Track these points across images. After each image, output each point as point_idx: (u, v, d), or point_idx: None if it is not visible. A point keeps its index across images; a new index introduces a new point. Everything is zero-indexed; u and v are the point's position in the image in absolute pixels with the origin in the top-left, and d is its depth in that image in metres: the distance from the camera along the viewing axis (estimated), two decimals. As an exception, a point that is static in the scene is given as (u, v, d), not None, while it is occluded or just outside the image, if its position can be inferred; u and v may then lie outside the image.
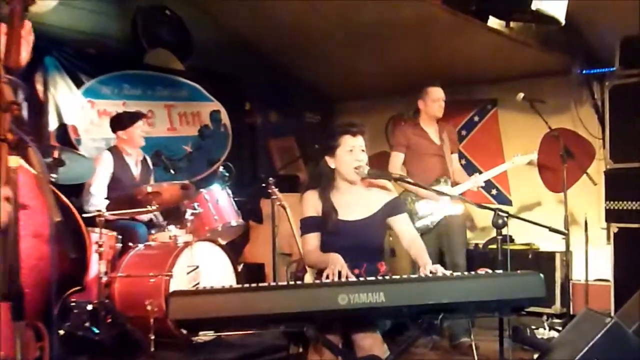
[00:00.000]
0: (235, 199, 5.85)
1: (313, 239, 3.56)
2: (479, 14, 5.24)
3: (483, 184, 5.54)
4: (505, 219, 3.39)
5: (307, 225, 3.59)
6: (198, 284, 4.97)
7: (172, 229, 5.38)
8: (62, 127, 6.08)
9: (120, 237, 5.16)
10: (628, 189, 5.46)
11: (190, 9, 7.10)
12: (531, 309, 5.45)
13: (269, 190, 5.75)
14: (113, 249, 5.08)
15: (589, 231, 6.08)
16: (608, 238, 5.97)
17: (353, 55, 7.18)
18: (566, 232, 5.29)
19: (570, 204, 5.69)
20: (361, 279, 3.06)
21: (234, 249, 5.91)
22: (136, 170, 5.73)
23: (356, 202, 3.60)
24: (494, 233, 3.47)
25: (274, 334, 4.83)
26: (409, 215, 5.30)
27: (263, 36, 7.31)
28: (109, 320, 4.71)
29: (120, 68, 6.60)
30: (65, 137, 6.04)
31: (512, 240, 6.74)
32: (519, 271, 3.00)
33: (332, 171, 3.61)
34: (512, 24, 5.71)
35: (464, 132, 7.57)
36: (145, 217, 5.60)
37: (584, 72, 6.47)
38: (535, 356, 4.48)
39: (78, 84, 6.24)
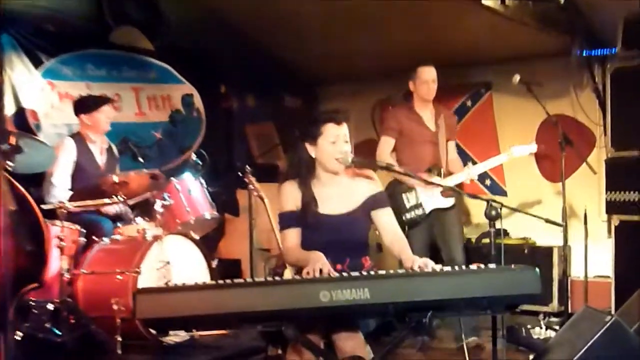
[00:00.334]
0: (209, 189, 5.84)
1: (293, 235, 3.56)
2: (472, -10, 5.26)
3: (476, 177, 5.56)
4: (499, 210, 3.41)
5: (286, 220, 3.59)
6: (169, 281, 4.94)
7: (141, 222, 5.37)
8: (20, 112, 6.03)
9: (83, 230, 5.13)
10: (630, 179, 5.49)
11: (161, -17, 7.07)
12: (527, 307, 5.57)
13: (246, 180, 5.74)
14: (76, 244, 5.05)
15: (589, 224, 6.11)
16: (609, 231, 6.03)
17: (337, 35, 7.16)
18: (564, 224, 5.33)
19: (569, 195, 5.73)
20: (344, 274, 3.06)
21: (208, 243, 5.89)
22: (101, 159, 5.71)
23: (339, 194, 3.61)
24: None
25: (251, 335, 4.84)
26: (398, 206, 5.37)
27: (240, 13, 7.27)
28: (72, 321, 4.68)
29: (84, 47, 6.54)
30: (24, 122, 5.99)
31: (506, 234, 6.76)
32: (512, 266, 3.02)
33: (312, 160, 3.61)
34: (507, 1, 5.73)
35: (455, 118, 7.58)
36: (111, 209, 5.57)
37: (584, 53, 6.48)
38: (531, 357, 4.51)
39: (37, 64, 6.19)
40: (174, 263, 5.07)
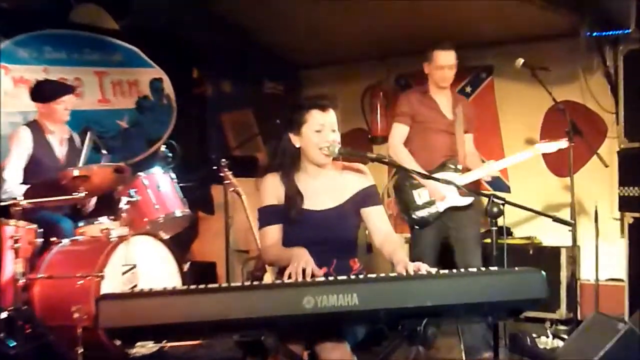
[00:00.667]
0: (181, 184, 5.83)
1: (273, 232, 3.55)
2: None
3: (498, 174, 5.53)
4: (502, 207, 3.41)
5: (267, 215, 3.58)
6: (135, 286, 4.93)
7: (104, 221, 5.35)
8: (-31, 98, 6.00)
9: (41, 230, 5.10)
10: (645, 173, 5.53)
11: (126, -45, 7.04)
12: (531, 313, 5.59)
13: (222, 174, 5.73)
14: (32, 245, 5.02)
15: (600, 222, 6.15)
16: (622, 230, 6.06)
17: (323, 13, 7.16)
18: (573, 222, 5.35)
19: (578, 190, 5.75)
20: (330, 278, 3.05)
21: (179, 244, 5.88)
22: (60, 150, 5.68)
23: (325, 188, 3.60)
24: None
25: (227, 345, 4.83)
26: (408, 202, 5.37)
27: (215, -11, 7.27)
28: (28, 331, 4.67)
29: (41, 27, 6.52)
30: (-27, 111, 5.97)
31: (510, 234, 6.80)
32: (516, 268, 3.02)
33: (296, 151, 3.60)
34: (510, -24, 5.75)
35: (473, 109, 7.59)
36: (71, 207, 5.54)
37: (594, 34, 6.50)
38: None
39: (-11, 45, 6.17)
40: (141, 266, 5.06)
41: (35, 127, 5.59)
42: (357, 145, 7.71)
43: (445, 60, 5.42)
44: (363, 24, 7.22)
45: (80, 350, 4.51)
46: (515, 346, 5.09)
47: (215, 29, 7.59)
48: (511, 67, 5.85)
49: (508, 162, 5.62)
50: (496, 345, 3.59)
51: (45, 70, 6.44)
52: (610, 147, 6.41)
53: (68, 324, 4.61)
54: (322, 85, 8.04)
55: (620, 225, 6.18)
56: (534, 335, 5.47)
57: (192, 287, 2.91)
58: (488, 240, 3.76)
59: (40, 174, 5.39)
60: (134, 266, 5.01)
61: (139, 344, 3.29)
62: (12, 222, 4.76)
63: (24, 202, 4.87)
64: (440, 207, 5.36)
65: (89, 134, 5.72)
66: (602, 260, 6.11)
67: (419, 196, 5.41)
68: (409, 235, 5.82)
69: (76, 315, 4.60)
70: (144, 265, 5.08)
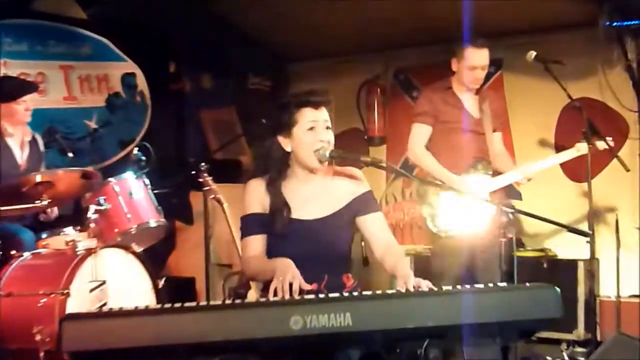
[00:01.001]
0: (156, 191, 5.81)
1: (256, 243, 3.55)
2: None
3: (534, 176, 5.52)
4: (511, 216, 3.42)
5: (250, 223, 3.59)
6: (104, 304, 4.92)
7: (70, 232, 5.34)
8: None
9: (-1, 243, 5.09)
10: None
11: (94, -64, 7.04)
12: (545, 334, 5.59)
13: (201, 180, 5.72)
14: (-11, 259, 5.02)
15: (621, 232, 6.15)
16: (645, 241, 6.08)
17: (314, 3, 7.16)
18: (591, 233, 5.35)
19: (597, 197, 5.76)
20: (321, 295, 3.05)
21: (154, 257, 5.87)
22: (21, 154, 5.67)
23: (316, 196, 3.60)
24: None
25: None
26: (432, 210, 5.37)
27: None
28: (-15, 354, 4.65)
29: (0, 16, 6.49)
30: None
31: (521, 245, 6.80)
32: (528, 284, 3.02)
33: (285, 155, 3.60)
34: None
35: (503, 104, 7.60)
36: (33, 217, 5.53)
37: (614, 24, 6.52)
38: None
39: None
40: (111, 282, 5.03)
41: (-8, 128, 5.58)
42: (352, 147, 7.72)
43: (478, 60, 5.43)
44: (358, 12, 7.23)
45: (43, 376, 4.51)
46: (528, 370, 5.10)
47: (194, 18, 7.59)
48: (522, 61, 5.84)
49: (548, 163, 5.63)
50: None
51: (5, 65, 6.43)
52: (632, 149, 6.43)
53: (29, 347, 4.60)
54: (312, 81, 8.03)
55: (643, 235, 6.20)
56: (549, 358, 5.47)
57: (168, 305, 2.90)
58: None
59: (-1, 180, 5.38)
60: (103, 282, 4.99)
61: (107, 369, 3.28)
62: (-34, 233, 4.74)
63: (-20, 212, 4.86)
64: (470, 214, 5.37)
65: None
66: (624, 275, 6.11)
67: (442, 205, 5.41)
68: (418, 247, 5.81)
69: (38, 337, 4.59)
70: (114, 282, 5.06)
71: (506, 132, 7.22)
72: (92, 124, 7.04)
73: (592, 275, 5.86)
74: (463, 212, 5.35)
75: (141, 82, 7.44)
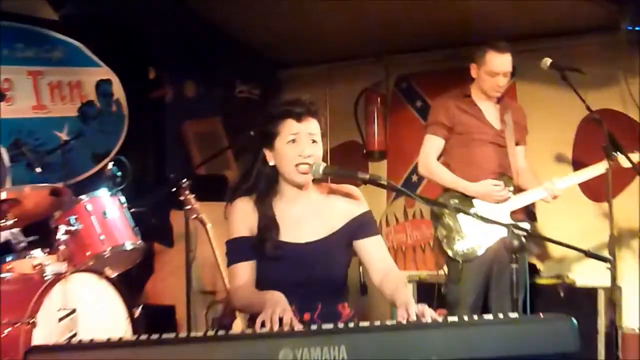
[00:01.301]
0: (132, 210, 5.81)
1: (244, 271, 3.55)
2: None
3: (561, 193, 5.53)
4: (525, 239, 3.41)
5: (236, 249, 3.58)
6: (74, 335, 4.91)
7: (37, 255, 5.32)
8: None
9: (-41, 266, 5.08)
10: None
11: None
12: (562, 369, 5.59)
13: (182, 198, 5.71)
14: (-52, 285, 5.00)
15: (645, 258, 6.18)
16: (672, 267, 6.09)
17: (308, 3, 7.18)
18: (612, 258, 5.35)
19: (618, 219, 5.77)
20: (314, 326, 3.04)
21: (130, 283, 5.85)
22: (-16, 168, 5.66)
23: (308, 217, 3.60)
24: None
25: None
26: (448, 231, 5.37)
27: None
28: (-58, 390, 4.64)
29: (-39, 17, 6.53)
30: None
31: (536, 271, 6.80)
32: (541, 314, 3.02)
33: (273, 171, 3.60)
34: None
35: (525, 114, 7.61)
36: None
37: (637, 28, 6.55)
38: None
39: None
40: (82, 311, 5.03)
41: (-48, 140, 5.59)
42: (349, 162, 7.73)
43: (500, 66, 5.47)
44: (357, 13, 7.25)
45: (6, 415, 4.50)
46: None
47: (176, 20, 7.61)
48: (537, 69, 5.88)
49: (576, 180, 5.64)
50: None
51: (-33, 70, 6.44)
52: (658, 166, 6.43)
53: (-9, 383, 4.59)
54: (306, 89, 8.03)
55: (669, 261, 6.21)
56: (565, 396, 5.46)
57: (144, 337, 2.89)
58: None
59: (-41, 198, 5.37)
60: (73, 311, 4.98)
61: (77, 407, 3.27)
62: None
63: (-62, 232, 4.86)
64: (490, 236, 5.38)
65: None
66: (648, 305, 6.13)
67: (464, 224, 5.43)
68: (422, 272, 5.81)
69: (1, 371, 4.58)
70: (86, 310, 5.05)
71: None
72: (63, 136, 7.03)
73: (614, 304, 5.86)
74: (482, 234, 5.37)
75: (117, 90, 7.44)
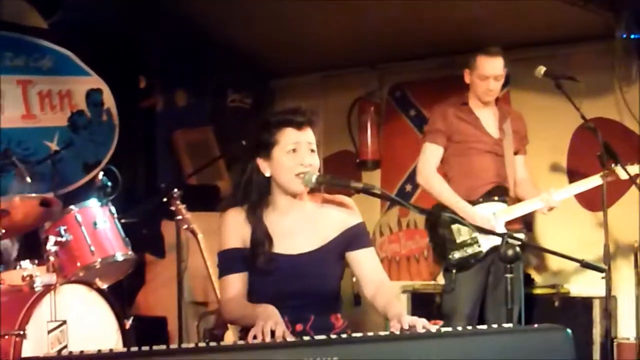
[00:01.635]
0: (123, 221, 5.80)
1: (236, 283, 3.53)
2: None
3: (558, 205, 5.53)
4: (519, 249, 3.42)
5: (228, 261, 3.57)
6: (64, 347, 4.91)
7: (27, 266, 5.31)
8: None
9: (-53, 278, 5.07)
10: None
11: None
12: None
13: (174, 208, 5.71)
14: (-64, 297, 4.99)
15: (641, 267, 6.18)
16: (668, 277, 6.09)
17: (299, 9, 7.18)
18: (607, 268, 5.36)
19: (613, 228, 5.78)
20: (306, 338, 3.05)
21: (121, 295, 5.85)
22: (-27, 179, 5.66)
23: (301, 227, 3.59)
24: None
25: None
26: (444, 240, 5.37)
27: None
28: None
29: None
30: None
31: (530, 281, 6.80)
32: (536, 325, 3.02)
33: (266, 181, 3.59)
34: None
35: (525, 123, 7.61)
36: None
37: (632, 36, 6.56)
38: None
39: None
40: (73, 322, 5.02)
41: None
42: (343, 171, 7.73)
43: (491, 69, 5.47)
44: (350, 22, 7.25)
45: None
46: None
47: (167, 28, 7.61)
48: (531, 77, 5.88)
49: (573, 191, 5.64)
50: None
51: (-44, 79, 6.43)
52: (654, 175, 6.44)
53: (-20, 396, 4.58)
54: (298, 98, 8.01)
55: (665, 271, 6.21)
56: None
57: (135, 349, 2.89)
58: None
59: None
60: (64, 322, 4.98)
61: (67, 420, 3.27)
62: None
63: None
64: (484, 246, 5.38)
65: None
66: (644, 314, 6.13)
67: (459, 232, 5.43)
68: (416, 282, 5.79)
69: (-10, 384, 4.58)
70: (76, 322, 5.05)
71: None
72: (53, 146, 7.02)
73: (609, 314, 5.86)
74: (476, 244, 5.37)
75: (108, 99, 7.44)
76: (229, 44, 7.99)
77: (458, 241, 5.44)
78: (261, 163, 3.56)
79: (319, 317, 3.49)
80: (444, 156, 5.56)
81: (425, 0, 6.68)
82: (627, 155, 5.93)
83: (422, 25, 6.84)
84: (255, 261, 3.51)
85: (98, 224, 5.59)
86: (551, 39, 6.89)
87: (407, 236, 7.91)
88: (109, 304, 5.29)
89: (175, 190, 5.76)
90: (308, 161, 3.49)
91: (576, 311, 6.45)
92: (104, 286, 5.40)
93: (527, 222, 7.13)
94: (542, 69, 5.71)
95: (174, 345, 2.94)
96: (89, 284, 5.26)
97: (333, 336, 3.00)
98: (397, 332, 3.14)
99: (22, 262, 5.41)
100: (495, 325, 3.05)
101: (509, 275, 3.46)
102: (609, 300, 5.70)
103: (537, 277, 6.91)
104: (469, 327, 3.03)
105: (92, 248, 5.51)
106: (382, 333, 3.03)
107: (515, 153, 5.64)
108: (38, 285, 5.03)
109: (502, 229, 5.32)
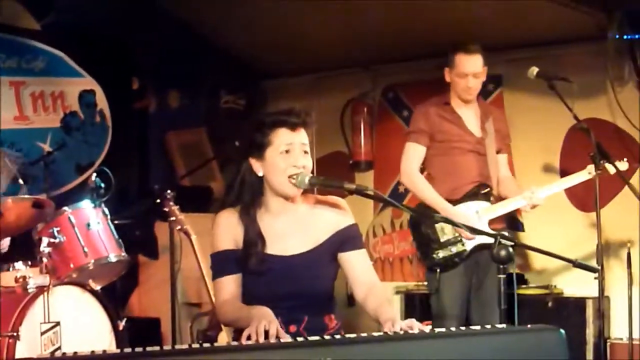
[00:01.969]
0: (116, 222, 5.80)
1: (230, 285, 3.53)
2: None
3: (541, 202, 5.54)
4: (512, 249, 3.42)
5: (221, 262, 3.56)
6: (58, 348, 4.90)
7: (20, 267, 5.30)
8: None
9: (-60, 279, 5.06)
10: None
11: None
12: (550, 381, 5.59)
13: (167, 209, 5.70)
14: None
15: (633, 267, 6.17)
16: (660, 277, 6.10)
17: (293, 10, 7.18)
18: (600, 268, 5.36)
19: (606, 229, 5.78)
20: (300, 339, 3.05)
21: (114, 296, 5.85)
22: (-34, 180, 5.65)
23: (294, 228, 3.59)
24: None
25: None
26: (428, 240, 5.37)
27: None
28: None
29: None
30: None
31: (523, 282, 6.81)
32: (530, 325, 3.03)
33: (259, 181, 3.59)
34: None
35: (506, 122, 7.61)
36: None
37: (624, 37, 6.57)
38: None
39: None
40: (66, 324, 5.02)
41: None
42: (335, 173, 7.72)
43: (469, 67, 5.45)
44: (343, 23, 7.26)
45: None
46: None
47: (160, 29, 7.60)
48: (524, 78, 5.88)
49: (556, 188, 5.64)
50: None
51: (-52, 81, 6.42)
52: (646, 176, 6.45)
53: (-27, 397, 4.58)
54: (291, 99, 8.04)
55: (658, 271, 6.23)
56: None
57: (128, 350, 2.88)
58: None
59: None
60: (57, 324, 4.97)
61: (61, 422, 3.26)
62: None
63: None
64: (467, 245, 5.38)
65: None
66: (637, 315, 6.12)
67: (443, 231, 5.43)
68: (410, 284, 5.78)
69: (-17, 385, 4.57)
70: (69, 323, 5.05)
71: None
72: (46, 147, 7.02)
73: (602, 314, 5.86)
74: (460, 244, 5.38)
75: (101, 100, 7.43)
76: (222, 46, 7.99)
77: (442, 240, 5.43)
78: (254, 163, 3.55)
79: (313, 318, 3.49)
80: (427, 156, 5.54)
81: (419, 1, 6.68)
82: (619, 156, 5.93)
83: (416, 26, 6.84)
84: (248, 262, 3.51)
85: (91, 225, 5.59)
86: (544, 39, 6.89)
87: (400, 237, 7.91)
88: (102, 305, 5.28)
89: (169, 191, 5.76)
90: (301, 162, 3.48)
91: (569, 311, 6.46)
92: (97, 287, 5.40)
93: (518, 222, 7.16)
94: (534, 70, 5.71)
95: (167, 347, 2.94)
96: (82, 286, 5.25)
97: (327, 337, 3.00)
98: (390, 333, 3.14)
99: (15, 264, 5.41)
100: (488, 326, 3.05)
101: (501, 276, 3.46)
102: (602, 301, 5.70)
103: (530, 278, 6.91)
104: (463, 328, 3.03)
105: (86, 249, 5.51)
106: (376, 334, 3.03)
107: (498, 152, 5.64)
108: (31, 287, 5.02)
109: (485, 228, 5.32)
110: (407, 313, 6.94)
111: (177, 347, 2.93)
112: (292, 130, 3.52)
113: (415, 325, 3.17)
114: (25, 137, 6.90)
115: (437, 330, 3.06)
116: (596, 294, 5.70)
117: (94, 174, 6.11)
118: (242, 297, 3.52)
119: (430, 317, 5.50)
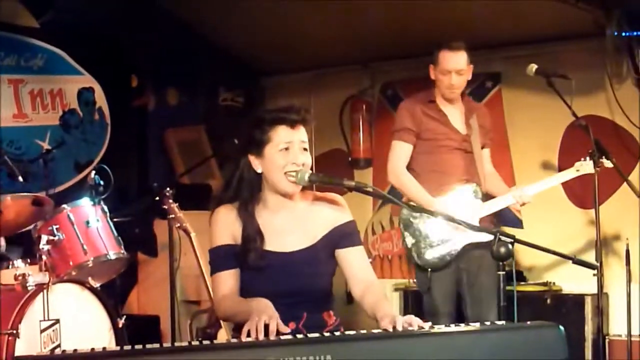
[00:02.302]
0: (116, 220, 5.80)
1: (228, 279, 3.53)
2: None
3: (530, 200, 5.54)
4: (511, 246, 3.41)
5: (220, 257, 3.56)
6: (57, 346, 4.91)
7: (19, 265, 5.30)
8: None
9: (-61, 277, 5.06)
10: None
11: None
12: (549, 377, 5.59)
13: (166, 207, 5.70)
14: None
15: (632, 264, 6.17)
16: (660, 274, 6.10)
17: (291, 7, 7.17)
18: (598, 265, 5.36)
19: (605, 225, 5.77)
20: (299, 336, 3.04)
21: (114, 294, 5.84)
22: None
23: (293, 225, 3.59)
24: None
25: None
26: (417, 239, 5.36)
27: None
28: None
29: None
30: None
31: (522, 279, 6.81)
32: (529, 322, 3.02)
33: (258, 178, 3.58)
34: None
35: (489, 117, 7.61)
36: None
37: (623, 34, 6.57)
38: None
39: None
40: (66, 321, 5.02)
41: None
42: (334, 169, 7.73)
43: (453, 64, 5.43)
44: (342, 21, 7.25)
45: None
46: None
47: (159, 27, 7.59)
48: (522, 75, 5.88)
49: (545, 185, 5.63)
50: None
51: (-53, 79, 6.42)
52: (645, 172, 6.45)
53: (-27, 395, 4.57)
54: (290, 96, 8.03)
55: (657, 267, 6.22)
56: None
57: (128, 347, 2.89)
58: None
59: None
60: (57, 321, 4.97)
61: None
62: None
63: None
64: (458, 243, 5.37)
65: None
66: (636, 311, 6.12)
67: (430, 230, 5.42)
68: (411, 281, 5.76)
69: (-17, 383, 4.57)
70: (69, 321, 5.05)
71: (505, 153, 7.25)
72: (45, 145, 7.01)
73: (601, 311, 5.86)
74: (450, 242, 5.37)
75: (100, 98, 7.42)
76: (220, 43, 7.98)
77: (433, 240, 5.42)
78: (253, 160, 3.55)
79: (312, 315, 3.49)
80: (413, 154, 5.53)
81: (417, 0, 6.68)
82: (618, 153, 5.94)
83: (414, 23, 6.83)
84: (247, 258, 3.50)
85: (90, 223, 5.59)
86: (542, 37, 6.89)
87: (399, 234, 7.89)
88: (101, 303, 5.28)
89: (168, 189, 5.76)
90: (300, 160, 3.48)
91: (568, 308, 6.46)
92: (97, 285, 5.39)
93: (517, 219, 7.16)
94: (533, 67, 5.71)
95: (167, 344, 2.93)
96: (82, 283, 5.25)
97: (326, 334, 3.00)
98: (389, 330, 3.14)
99: (14, 262, 5.41)
100: (487, 323, 3.05)
101: (501, 273, 3.46)
102: (600, 298, 5.71)
103: (529, 275, 6.91)
104: (462, 325, 3.03)
105: (85, 247, 5.51)
106: (375, 331, 3.03)
107: (482, 147, 5.63)
108: (31, 285, 5.02)
109: (479, 227, 5.32)
110: (406, 310, 6.94)
111: (177, 344, 2.93)
112: (292, 127, 3.51)
113: (414, 322, 3.17)
114: (24, 135, 6.90)
115: (436, 327, 3.06)
116: (595, 291, 5.70)
117: (93, 172, 6.10)
118: (241, 294, 3.51)
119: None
